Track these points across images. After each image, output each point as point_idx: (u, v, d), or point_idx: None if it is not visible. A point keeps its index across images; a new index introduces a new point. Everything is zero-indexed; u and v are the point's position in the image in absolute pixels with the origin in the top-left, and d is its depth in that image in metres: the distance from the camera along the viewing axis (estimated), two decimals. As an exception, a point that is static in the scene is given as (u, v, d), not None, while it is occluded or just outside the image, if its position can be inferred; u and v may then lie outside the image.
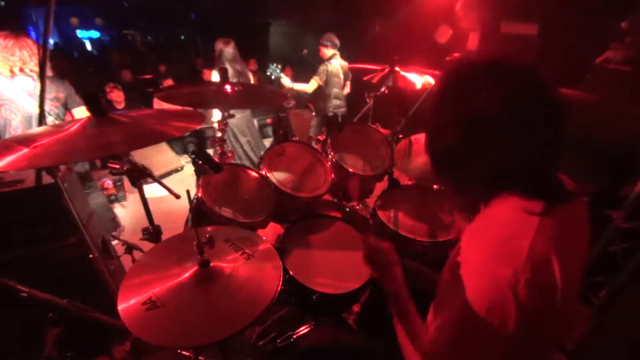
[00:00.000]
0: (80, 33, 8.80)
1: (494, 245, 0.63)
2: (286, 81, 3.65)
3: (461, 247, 0.74)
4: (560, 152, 0.66)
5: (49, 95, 2.09)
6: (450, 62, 0.73)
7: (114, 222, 2.89)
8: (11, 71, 1.99)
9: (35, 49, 2.02)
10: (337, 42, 3.58)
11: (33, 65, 2.02)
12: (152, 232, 1.26)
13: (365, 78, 2.32)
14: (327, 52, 3.58)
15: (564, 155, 0.66)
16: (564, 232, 0.64)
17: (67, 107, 2.22)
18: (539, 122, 0.62)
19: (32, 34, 2.19)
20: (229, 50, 3.08)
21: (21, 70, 2.00)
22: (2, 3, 5.62)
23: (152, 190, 3.32)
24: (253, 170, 1.60)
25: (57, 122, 2.13)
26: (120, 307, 0.83)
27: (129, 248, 1.64)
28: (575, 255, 0.68)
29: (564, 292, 0.61)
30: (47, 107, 2.10)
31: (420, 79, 2.21)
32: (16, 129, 2.04)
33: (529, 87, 0.63)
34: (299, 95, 4.60)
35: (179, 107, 1.42)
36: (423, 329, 0.80)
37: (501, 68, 0.65)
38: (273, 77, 3.68)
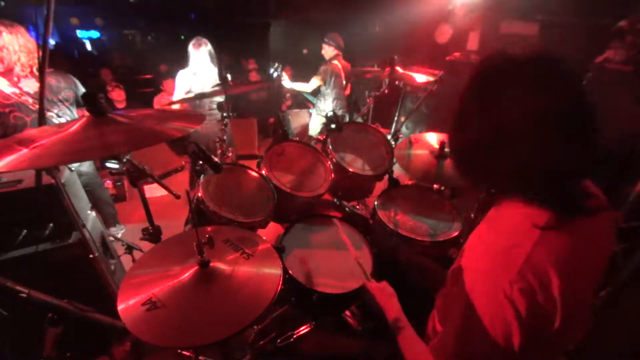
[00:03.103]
0: (80, 33, 8.80)
1: (497, 253, 0.63)
2: (286, 82, 3.64)
3: (465, 250, 0.73)
4: (588, 163, 0.63)
5: (58, 96, 2.03)
6: (489, 54, 0.67)
7: (115, 219, 2.91)
8: (28, 73, 1.90)
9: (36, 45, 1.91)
10: (342, 43, 3.57)
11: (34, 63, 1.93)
12: (152, 232, 1.26)
13: (367, 76, 2.33)
14: (330, 51, 3.57)
15: (590, 168, 0.63)
16: (573, 248, 0.61)
17: (78, 105, 2.16)
18: (576, 130, 0.59)
19: (32, 33, 2.16)
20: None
21: (31, 70, 1.92)
22: (2, 3, 5.61)
23: (152, 190, 3.32)
24: (253, 170, 1.60)
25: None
26: (120, 307, 0.83)
27: (129, 248, 1.64)
28: (586, 273, 0.64)
29: (566, 309, 0.58)
30: (55, 110, 2.03)
31: (420, 79, 2.20)
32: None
33: (575, 92, 0.60)
34: (298, 95, 4.59)
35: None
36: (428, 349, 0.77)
37: (552, 68, 0.61)
38: (275, 75, 3.67)
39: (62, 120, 2.05)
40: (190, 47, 2.79)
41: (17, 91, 1.89)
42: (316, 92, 3.69)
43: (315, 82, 3.57)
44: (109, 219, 2.81)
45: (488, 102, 0.63)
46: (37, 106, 1.86)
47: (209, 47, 2.80)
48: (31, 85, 1.94)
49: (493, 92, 0.63)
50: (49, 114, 1.94)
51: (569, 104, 0.59)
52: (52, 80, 2.02)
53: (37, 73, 1.94)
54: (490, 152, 0.64)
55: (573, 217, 0.62)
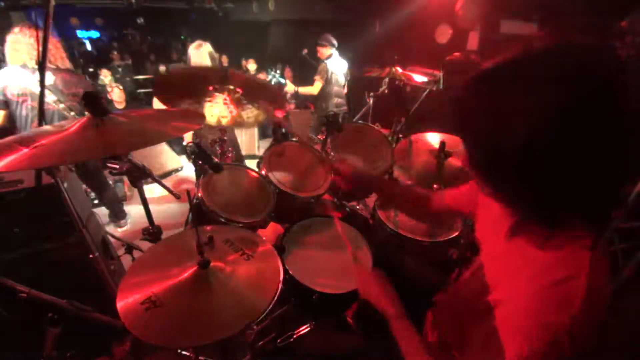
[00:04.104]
0: (80, 33, 8.82)
1: (544, 288, 0.56)
2: (291, 86, 3.65)
3: (491, 281, 0.67)
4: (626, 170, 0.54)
5: (70, 90, 2.13)
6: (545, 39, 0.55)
7: (123, 211, 2.95)
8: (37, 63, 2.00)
9: (56, 43, 2.08)
10: (335, 42, 3.60)
11: (52, 58, 2.06)
12: (152, 232, 1.26)
13: (366, 74, 2.32)
14: (325, 51, 3.60)
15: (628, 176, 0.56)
16: (606, 257, 0.58)
17: None
18: (615, 134, 0.51)
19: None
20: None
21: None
22: (2, 4, 5.61)
23: (152, 190, 3.32)
24: (253, 170, 1.61)
25: (77, 117, 2.14)
26: (120, 305, 0.83)
27: (129, 248, 1.65)
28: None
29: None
30: (67, 103, 2.13)
31: (420, 79, 2.21)
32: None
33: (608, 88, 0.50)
34: (298, 95, 4.61)
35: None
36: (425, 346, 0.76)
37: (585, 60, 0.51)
38: (273, 82, 3.68)
39: (73, 113, 2.14)
40: (191, 49, 2.76)
41: (34, 81, 2.00)
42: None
43: (318, 83, 3.58)
44: (117, 213, 2.87)
45: (552, 94, 0.50)
46: (52, 96, 2.03)
47: (210, 47, 2.76)
48: (46, 78, 2.02)
49: (558, 84, 0.51)
50: (60, 105, 2.07)
51: (601, 101, 0.49)
52: (66, 75, 2.14)
53: (53, 66, 2.07)
54: (550, 157, 0.52)
55: (603, 231, 0.58)
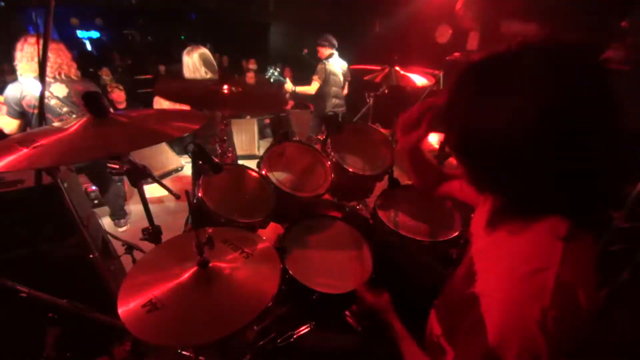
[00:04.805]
0: (80, 33, 8.81)
1: (519, 279, 0.56)
2: (289, 85, 3.64)
3: (477, 272, 0.68)
4: (604, 163, 0.55)
5: (80, 101, 2.15)
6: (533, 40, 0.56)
7: (123, 211, 2.92)
8: (57, 76, 2.08)
9: (69, 55, 2.13)
10: (335, 42, 3.60)
11: (67, 71, 2.12)
12: (152, 232, 1.26)
13: (365, 78, 2.31)
14: (325, 51, 3.60)
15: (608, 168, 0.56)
16: (590, 262, 0.58)
17: None
18: (595, 128, 0.53)
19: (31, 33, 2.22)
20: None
21: (57, 75, 2.08)
22: (2, 3, 5.62)
23: (152, 190, 3.32)
24: (253, 170, 1.61)
25: None
26: (121, 310, 0.83)
27: (129, 248, 1.65)
28: (595, 284, 0.60)
29: (588, 320, 0.56)
30: (81, 113, 2.15)
31: (420, 79, 2.21)
32: None
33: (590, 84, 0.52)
34: (298, 95, 4.62)
35: (179, 107, 1.42)
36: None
37: (566, 56, 0.53)
38: (272, 80, 3.67)
39: (74, 115, 2.17)
40: (184, 55, 2.60)
41: (48, 94, 2.06)
42: (315, 92, 3.70)
43: (315, 83, 3.57)
44: (118, 211, 2.88)
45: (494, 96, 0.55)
46: (65, 109, 2.10)
47: (204, 51, 2.59)
48: (60, 90, 2.12)
49: (499, 85, 0.55)
50: (73, 115, 2.14)
51: (580, 96, 0.51)
52: (79, 87, 2.19)
53: (67, 78, 2.12)
54: (528, 149, 0.54)
55: (588, 227, 0.58)
